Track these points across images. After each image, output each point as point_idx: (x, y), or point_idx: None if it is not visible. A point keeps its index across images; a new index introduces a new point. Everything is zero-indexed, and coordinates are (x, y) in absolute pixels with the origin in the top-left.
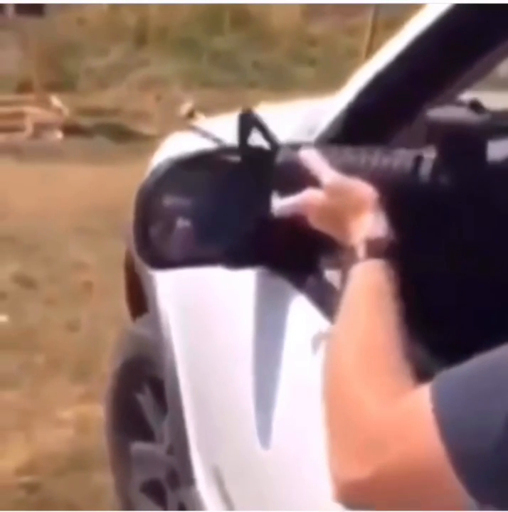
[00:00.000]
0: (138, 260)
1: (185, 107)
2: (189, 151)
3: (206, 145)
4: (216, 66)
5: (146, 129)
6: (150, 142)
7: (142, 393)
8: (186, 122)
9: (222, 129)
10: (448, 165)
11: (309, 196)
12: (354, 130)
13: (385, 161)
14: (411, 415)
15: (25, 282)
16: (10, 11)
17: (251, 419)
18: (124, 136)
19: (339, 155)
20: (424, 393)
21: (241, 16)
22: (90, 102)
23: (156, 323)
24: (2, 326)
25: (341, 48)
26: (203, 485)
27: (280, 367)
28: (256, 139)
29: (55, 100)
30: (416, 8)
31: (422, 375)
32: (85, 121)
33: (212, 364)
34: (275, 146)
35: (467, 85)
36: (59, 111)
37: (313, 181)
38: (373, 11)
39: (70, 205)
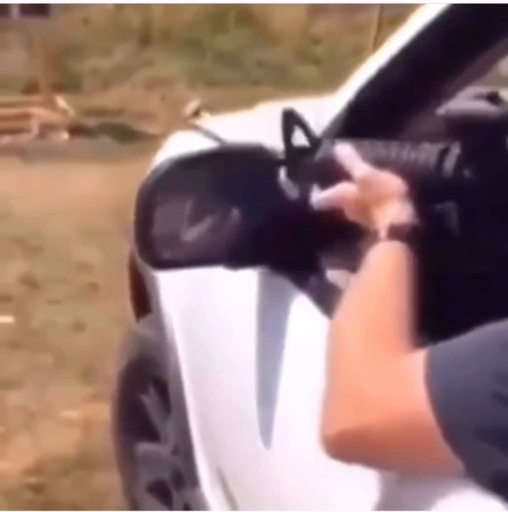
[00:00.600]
0: (141, 261)
1: (191, 106)
2: (191, 150)
3: (209, 144)
4: (220, 65)
5: (151, 129)
6: (155, 142)
7: (147, 394)
8: (191, 121)
9: (224, 128)
10: (471, 158)
11: (342, 189)
12: (356, 126)
13: (413, 154)
14: (404, 374)
15: (31, 283)
16: (15, 12)
17: (254, 419)
18: (129, 136)
19: (371, 149)
20: (419, 356)
21: (245, 15)
22: (94, 103)
23: (159, 324)
24: (8, 327)
25: (345, 45)
26: (208, 485)
27: (283, 367)
28: (252, 139)
29: (61, 101)
30: (421, 4)
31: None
32: (90, 122)
33: (215, 365)
34: (316, 142)
35: (468, 81)
36: (64, 112)
37: (347, 175)
38: (378, 8)
39: (75, 206)
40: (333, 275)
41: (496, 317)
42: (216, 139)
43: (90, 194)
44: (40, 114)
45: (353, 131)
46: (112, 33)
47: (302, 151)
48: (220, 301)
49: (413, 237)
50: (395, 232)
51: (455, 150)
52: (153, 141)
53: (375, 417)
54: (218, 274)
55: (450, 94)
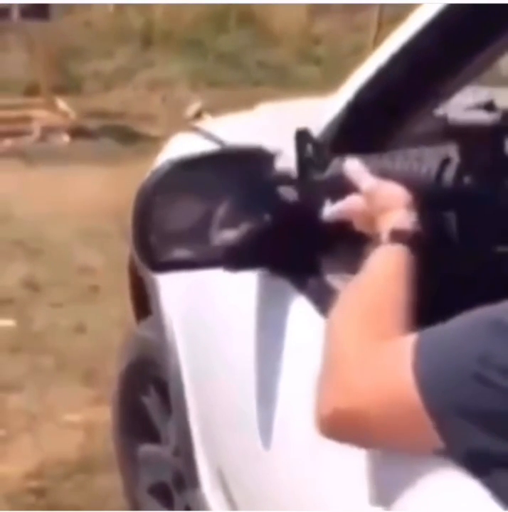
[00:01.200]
0: (140, 263)
1: (192, 108)
2: (191, 152)
3: (210, 146)
4: (222, 66)
5: (153, 131)
6: (156, 143)
7: (148, 395)
8: (193, 123)
9: (225, 129)
10: (470, 167)
11: (350, 202)
12: (356, 126)
13: (416, 165)
14: (393, 357)
15: (32, 286)
16: (15, 15)
17: (254, 421)
18: (130, 137)
19: (378, 162)
20: (408, 340)
21: (246, 15)
22: (96, 105)
23: (159, 326)
24: (9, 330)
25: (346, 45)
26: (208, 487)
27: (283, 369)
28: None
29: (62, 103)
30: (420, 4)
31: None
32: (91, 124)
33: (215, 366)
34: (326, 160)
35: (467, 81)
36: (66, 114)
37: (356, 189)
38: (378, 8)
39: (76, 208)
40: (333, 278)
41: None
42: (217, 140)
43: (92, 196)
44: (41, 116)
45: (352, 130)
46: (113, 35)
47: (313, 167)
48: (220, 302)
49: (415, 241)
50: (397, 236)
51: (455, 159)
52: (154, 143)
53: (365, 398)
54: (217, 276)
55: (449, 94)
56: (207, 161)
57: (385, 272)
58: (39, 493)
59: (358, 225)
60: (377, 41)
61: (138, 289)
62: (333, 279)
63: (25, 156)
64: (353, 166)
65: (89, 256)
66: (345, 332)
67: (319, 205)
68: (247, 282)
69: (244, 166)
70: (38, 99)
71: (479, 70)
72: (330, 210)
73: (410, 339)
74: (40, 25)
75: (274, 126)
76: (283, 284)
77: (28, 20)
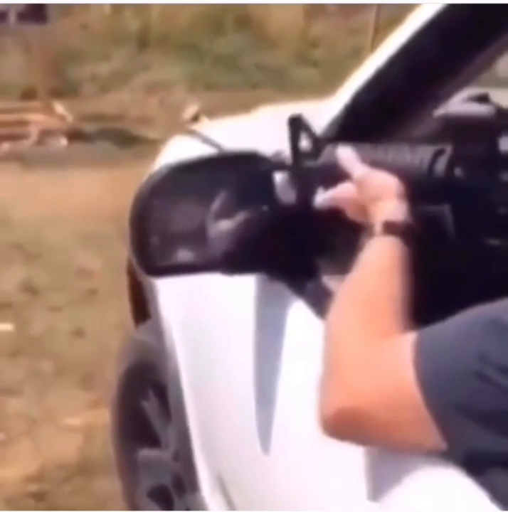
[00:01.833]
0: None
1: (190, 111)
2: (189, 155)
3: (207, 149)
4: (219, 69)
5: (150, 133)
6: (154, 146)
7: (147, 399)
8: (190, 126)
9: (223, 133)
10: (463, 159)
11: (343, 190)
12: (354, 128)
13: (409, 156)
14: (394, 356)
15: (30, 290)
16: (12, 18)
17: (253, 425)
18: (128, 140)
19: (370, 152)
20: (408, 339)
21: (243, 18)
22: (93, 108)
23: (158, 330)
24: (8, 334)
25: (344, 47)
26: (208, 490)
27: (282, 372)
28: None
29: (59, 107)
30: (417, 5)
31: None
32: (89, 127)
33: (214, 370)
34: (319, 146)
35: (466, 82)
36: (63, 117)
37: (348, 177)
38: (375, 10)
39: (74, 212)
40: (330, 281)
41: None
42: (214, 144)
43: (89, 200)
44: (38, 120)
45: (350, 132)
46: (110, 37)
47: (306, 155)
48: (218, 306)
49: (408, 232)
50: (390, 228)
51: (449, 151)
52: (152, 146)
53: (367, 398)
54: (215, 280)
55: (447, 96)
56: (203, 166)
57: (379, 266)
58: (39, 496)
59: (350, 214)
60: (375, 44)
61: (136, 292)
62: (330, 282)
63: (22, 160)
64: (345, 154)
65: (87, 259)
66: (344, 330)
67: (313, 193)
68: (245, 286)
69: (240, 170)
70: (35, 103)
71: (477, 72)
72: (322, 198)
73: (410, 338)
74: (37, 28)
75: (272, 129)
76: (281, 287)
77: (24, 23)
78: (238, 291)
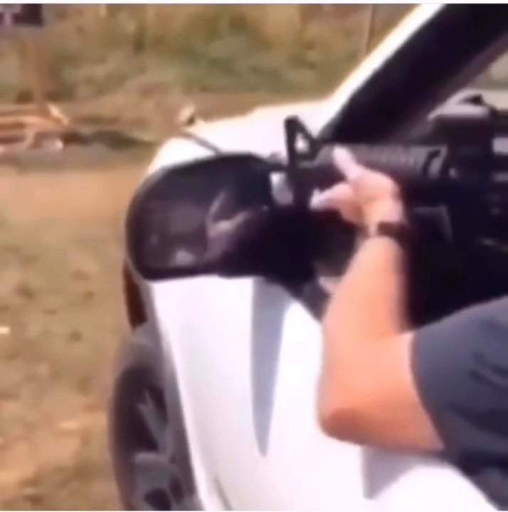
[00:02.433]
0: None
1: (185, 113)
2: (185, 158)
3: (203, 152)
4: (215, 71)
5: (146, 136)
6: (150, 149)
7: (144, 402)
8: (186, 128)
9: (219, 135)
10: (458, 160)
11: (338, 191)
12: (350, 130)
13: (404, 157)
14: (392, 357)
15: (26, 293)
16: (8, 21)
17: (250, 427)
18: (123, 143)
19: (366, 153)
20: (405, 339)
21: (238, 21)
22: (88, 111)
23: (155, 333)
24: (4, 337)
25: (339, 50)
26: (205, 493)
27: (279, 375)
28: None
29: (55, 109)
30: (413, 7)
31: None
32: (85, 130)
33: (211, 373)
34: (316, 148)
35: (462, 84)
36: (59, 120)
37: (343, 178)
38: (370, 10)
39: (71, 214)
40: (328, 283)
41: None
42: (210, 146)
43: (85, 202)
44: (34, 122)
45: (347, 134)
46: (106, 40)
47: (302, 157)
48: (215, 310)
49: (403, 234)
50: (385, 229)
51: (443, 153)
52: (148, 148)
53: (365, 399)
54: (212, 283)
55: (443, 98)
56: (200, 168)
57: (375, 266)
58: (35, 500)
59: (346, 215)
60: (370, 45)
61: (133, 295)
62: (327, 284)
63: (18, 163)
64: (340, 155)
65: (83, 262)
66: (341, 331)
67: (309, 195)
68: (242, 288)
69: (237, 172)
70: (30, 106)
71: (473, 74)
72: (318, 199)
73: (407, 338)
74: (33, 31)
75: (268, 131)
76: (278, 289)
77: (20, 26)
78: (235, 294)
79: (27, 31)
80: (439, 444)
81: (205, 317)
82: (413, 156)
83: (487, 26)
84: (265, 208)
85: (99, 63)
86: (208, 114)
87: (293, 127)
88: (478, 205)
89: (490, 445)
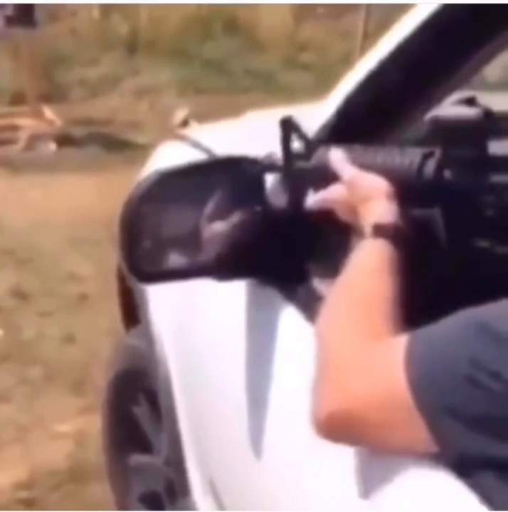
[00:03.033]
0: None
1: (179, 115)
2: (178, 161)
3: (196, 154)
4: (208, 73)
5: (140, 138)
6: (144, 151)
7: (138, 404)
8: (179, 130)
9: (212, 137)
10: (452, 161)
11: (333, 192)
12: (345, 133)
13: (399, 158)
14: (386, 359)
15: (20, 295)
16: (1, 23)
17: (244, 429)
18: (117, 145)
19: (361, 154)
20: (400, 341)
21: (232, 22)
22: (82, 112)
23: (149, 336)
24: None
25: (333, 51)
26: (200, 495)
27: (273, 377)
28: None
29: (48, 111)
30: (408, 7)
31: None
32: (78, 132)
33: (205, 375)
34: (311, 148)
35: (456, 86)
36: (52, 122)
37: (338, 178)
38: (364, 10)
39: (64, 217)
40: (321, 286)
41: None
42: (204, 149)
43: (79, 204)
44: (27, 125)
45: (342, 135)
46: (99, 42)
47: (297, 157)
48: (209, 313)
49: (397, 235)
50: (380, 230)
51: (437, 154)
52: (141, 150)
53: (360, 401)
54: (206, 287)
55: (438, 99)
56: (193, 171)
57: (369, 268)
58: (29, 503)
59: (341, 215)
60: (364, 47)
61: (127, 297)
62: (321, 286)
63: (11, 165)
64: (335, 156)
65: (77, 264)
66: (335, 333)
67: (303, 196)
68: (235, 291)
69: (231, 173)
70: (24, 108)
71: (467, 75)
72: (313, 199)
73: (402, 340)
74: (26, 33)
75: (262, 133)
76: (271, 292)
77: (13, 28)
78: (229, 297)
79: (20, 33)
80: (433, 447)
81: (198, 319)
82: (407, 157)
83: (482, 28)
84: (259, 209)
85: (92, 65)
86: (202, 116)
87: (288, 127)
88: (472, 206)
89: (484, 449)
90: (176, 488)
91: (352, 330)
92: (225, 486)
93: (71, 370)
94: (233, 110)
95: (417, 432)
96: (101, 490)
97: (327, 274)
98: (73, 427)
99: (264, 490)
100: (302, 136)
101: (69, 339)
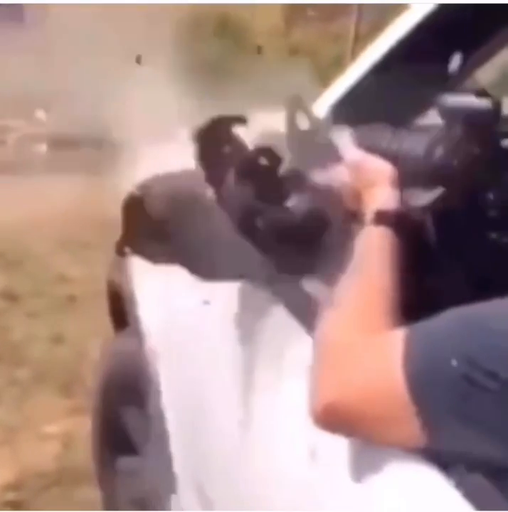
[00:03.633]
0: (118, 277)
1: (174, 116)
2: (172, 163)
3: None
4: (199, 75)
5: (132, 139)
6: (136, 153)
7: (126, 407)
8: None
9: None
10: (460, 148)
11: (338, 173)
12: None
13: (406, 142)
14: (384, 353)
15: (10, 296)
16: None
17: (234, 431)
18: (110, 146)
19: (367, 135)
20: (398, 336)
21: (223, 25)
22: (74, 113)
23: (137, 339)
24: None
25: (324, 53)
26: (187, 499)
27: (264, 379)
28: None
29: (39, 112)
30: (400, 9)
31: None
32: (71, 133)
33: (194, 378)
34: (317, 126)
35: (447, 90)
36: (43, 123)
37: (342, 159)
38: (356, 16)
39: (56, 218)
40: (313, 286)
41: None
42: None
43: (70, 206)
44: (18, 126)
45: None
46: None
47: (303, 134)
48: (198, 315)
49: (399, 223)
50: (382, 218)
51: (446, 141)
52: (134, 152)
53: (357, 394)
54: (196, 288)
55: (431, 102)
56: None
57: (370, 258)
58: (16, 505)
59: (346, 199)
60: (355, 50)
61: (116, 300)
62: (313, 287)
63: (2, 167)
64: (341, 137)
65: (67, 266)
66: (334, 325)
67: (307, 173)
68: (227, 292)
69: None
70: (15, 109)
71: (459, 78)
72: (321, 176)
73: (400, 334)
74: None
75: (255, 135)
76: (264, 294)
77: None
78: (220, 298)
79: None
80: (427, 443)
81: (188, 322)
82: (414, 141)
83: (474, 31)
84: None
85: None
86: (194, 117)
87: (295, 105)
88: (478, 196)
89: (477, 447)
90: (164, 491)
91: (351, 322)
92: (213, 487)
93: (60, 371)
94: (224, 112)
95: (412, 426)
96: (89, 492)
97: (320, 275)
98: (62, 428)
99: (253, 492)
100: (308, 114)
101: (58, 340)
